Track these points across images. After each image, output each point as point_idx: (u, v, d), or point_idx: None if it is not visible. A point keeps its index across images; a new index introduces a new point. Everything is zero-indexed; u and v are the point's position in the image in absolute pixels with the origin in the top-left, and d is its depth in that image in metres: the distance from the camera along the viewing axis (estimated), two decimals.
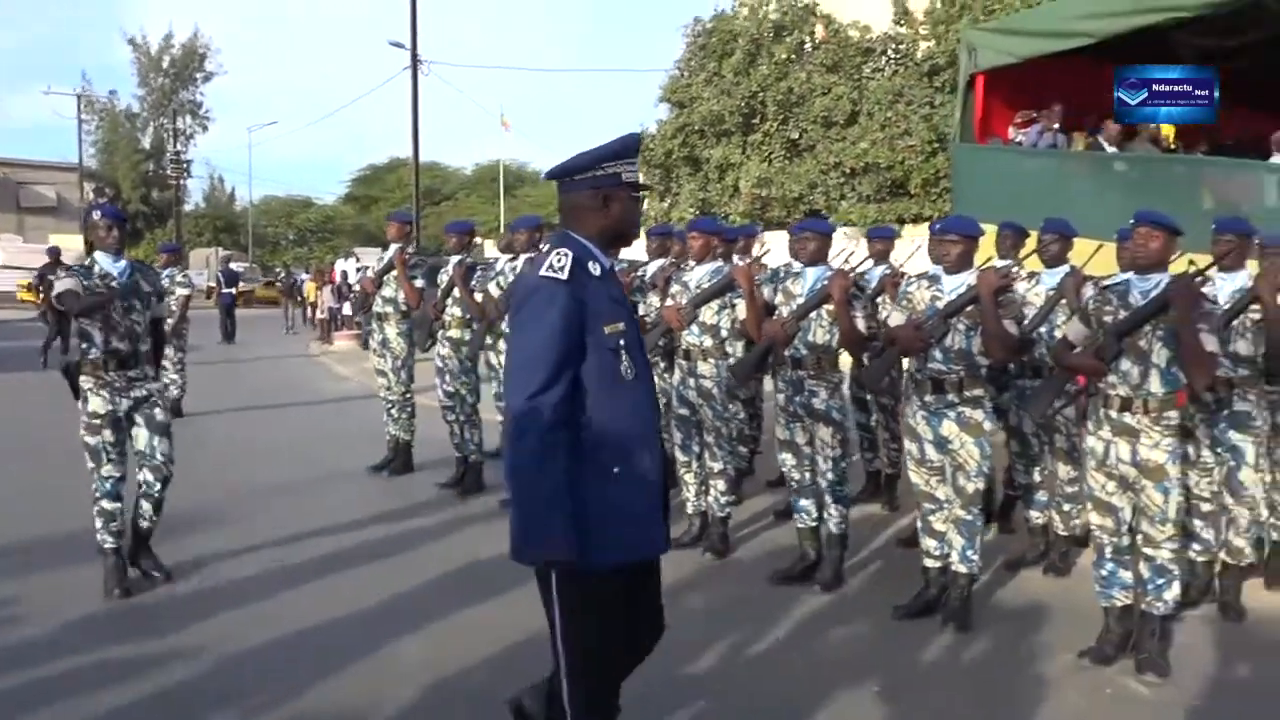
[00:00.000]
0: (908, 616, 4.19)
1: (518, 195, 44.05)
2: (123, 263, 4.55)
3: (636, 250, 8.26)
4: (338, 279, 20.65)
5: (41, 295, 10.39)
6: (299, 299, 23.82)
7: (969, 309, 4.04)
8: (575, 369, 2.33)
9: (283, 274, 30.40)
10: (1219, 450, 4.23)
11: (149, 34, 49.97)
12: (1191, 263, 3.69)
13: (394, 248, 6.77)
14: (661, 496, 2.56)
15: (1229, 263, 4.23)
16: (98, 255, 4.54)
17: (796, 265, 4.70)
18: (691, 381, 5.04)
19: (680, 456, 5.21)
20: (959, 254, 4.14)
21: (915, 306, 4.23)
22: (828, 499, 4.61)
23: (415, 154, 20.80)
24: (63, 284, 4.46)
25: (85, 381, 4.43)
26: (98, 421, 4.41)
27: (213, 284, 23.61)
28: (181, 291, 9.56)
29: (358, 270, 15.16)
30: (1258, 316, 4.13)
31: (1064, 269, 4.76)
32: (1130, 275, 3.75)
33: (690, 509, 5.26)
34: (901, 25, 15.58)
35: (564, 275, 2.34)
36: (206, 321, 18.50)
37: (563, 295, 2.32)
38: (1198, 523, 4.29)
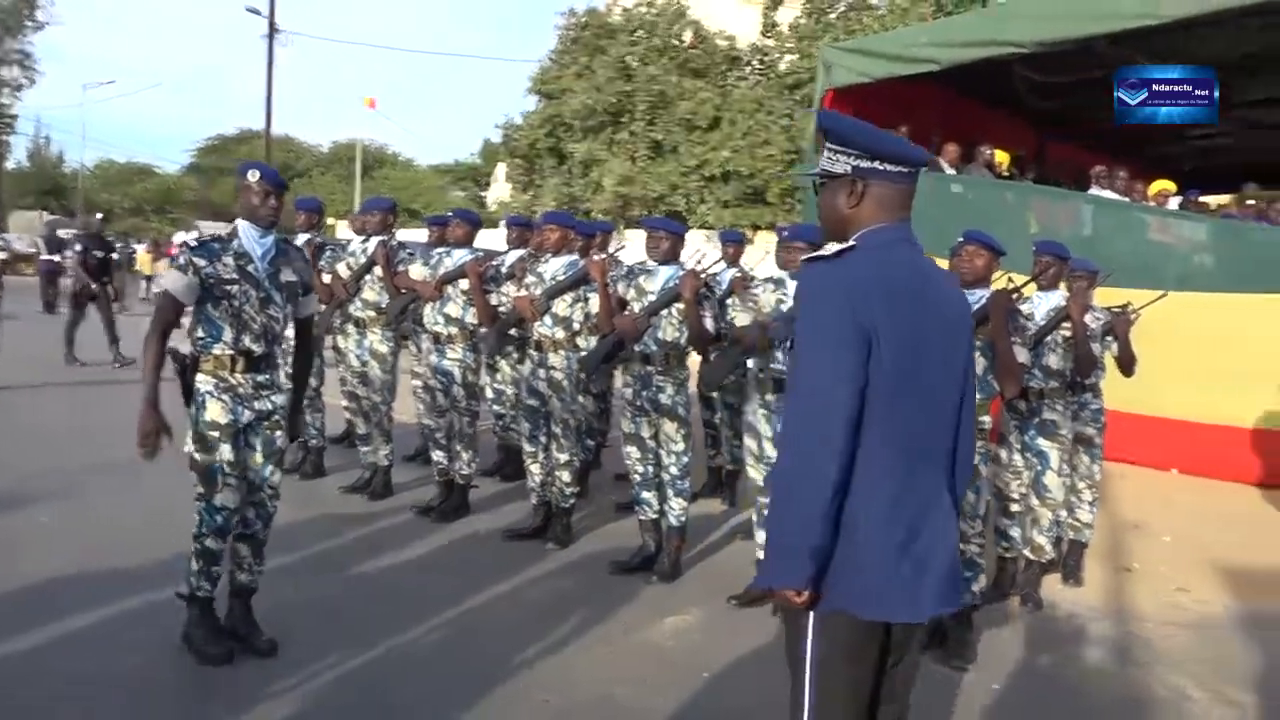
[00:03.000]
0: (743, 604, 4.36)
1: (375, 177, 42.79)
2: (269, 239, 3.54)
3: (495, 240, 8.23)
4: (175, 253, 19.46)
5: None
6: (133, 271, 22.37)
7: None
8: None
9: (119, 244, 28.46)
10: (1028, 455, 4.57)
11: None
12: (1010, 280, 3.97)
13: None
14: None
15: (1045, 282, 4.58)
16: (242, 227, 3.51)
17: (650, 263, 4.79)
18: (542, 372, 5.06)
19: (527, 447, 5.21)
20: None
21: (761, 309, 4.38)
22: (669, 493, 4.72)
23: (267, 127, 20.03)
24: (168, 279, 3.41)
25: (203, 382, 3.46)
26: (215, 434, 3.42)
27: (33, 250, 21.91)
28: None
29: None
30: (1069, 333, 4.50)
31: None
32: None
33: (535, 499, 5.27)
34: (769, 38, 16.02)
35: None
36: (25, 289, 17.18)
37: None
38: (1005, 521, 4.62)
